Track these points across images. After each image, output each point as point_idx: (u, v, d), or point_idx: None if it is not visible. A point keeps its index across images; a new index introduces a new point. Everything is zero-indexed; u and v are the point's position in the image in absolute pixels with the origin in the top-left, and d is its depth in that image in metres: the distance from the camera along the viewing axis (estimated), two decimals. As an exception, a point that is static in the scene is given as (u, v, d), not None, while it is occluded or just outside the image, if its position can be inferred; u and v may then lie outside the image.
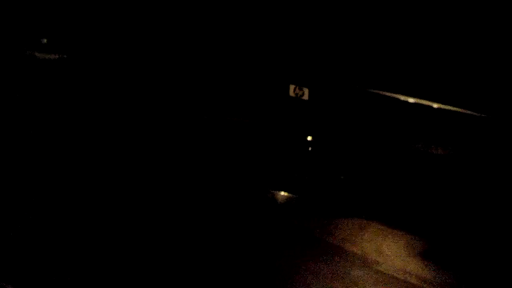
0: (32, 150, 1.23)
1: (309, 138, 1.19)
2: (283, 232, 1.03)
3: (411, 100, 1.06)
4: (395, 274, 0.93)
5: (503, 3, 0.96)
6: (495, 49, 1.00)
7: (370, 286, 0.91)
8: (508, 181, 1.04)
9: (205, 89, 1.25)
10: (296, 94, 1.12)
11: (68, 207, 1.08)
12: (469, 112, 1.04)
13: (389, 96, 1.09)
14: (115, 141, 1.27)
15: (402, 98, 1.08)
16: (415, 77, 1.08)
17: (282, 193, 1.12)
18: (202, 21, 1.17)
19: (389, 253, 0.98)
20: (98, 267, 0.93)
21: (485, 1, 0.98)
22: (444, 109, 1.04)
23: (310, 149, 1.19)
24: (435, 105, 1.04)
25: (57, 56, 1.33)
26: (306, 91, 1.11)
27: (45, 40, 1.32)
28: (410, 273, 0.93)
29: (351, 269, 0.94)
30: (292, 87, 1.12)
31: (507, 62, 1.00)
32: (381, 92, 1.10)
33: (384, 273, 0.94)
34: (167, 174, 1.17)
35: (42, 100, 1.36)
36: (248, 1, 1.10)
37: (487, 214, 1.05)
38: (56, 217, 1.05)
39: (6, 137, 1.26)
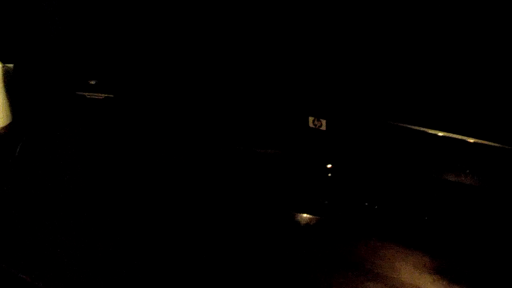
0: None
1: (329, 165, 1.30)
2: (307, 250, 1.13)
3: (417, 128, 1.14)
4: (407, 288, 1.01)
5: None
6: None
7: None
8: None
9: (236, 124, 1.37)
10: (315, 125, 1.23)
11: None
12: (481, 141, 1.10)
13: (402, 127, 1.18)
14: (156, 175, 1.40)
15: (416, 128, 1.16)
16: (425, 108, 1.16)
17: (305, 215, 1.22)
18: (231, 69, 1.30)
19: (403, 270, 1.05)
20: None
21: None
22: (449, 137, 1.11)
23: (330, 175, 1.29)
24: (440, 133, 1.12)
25: (103, 96, 1.49)
26: (323, 122, 1.22)
27: (93, 82, 1.49)
28: (420, 287, 1.01)
29: (368, 283, 1.02)
30: (311, 119, 1.23)
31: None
32: (395, 123, 1.19)
33: (397, 287, 1.02)
34: (203, 199, 1.28)
35: (90, 136, 1.52)
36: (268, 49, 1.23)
37: (499, 238, 1.11)
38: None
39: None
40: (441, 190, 1.17)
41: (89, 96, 1.49)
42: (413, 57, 1.11)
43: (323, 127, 1.22)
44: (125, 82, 1.48)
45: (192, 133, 1.43)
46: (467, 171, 1.12)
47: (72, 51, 1.50)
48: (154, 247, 1.13)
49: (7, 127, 1.60)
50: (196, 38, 1.34)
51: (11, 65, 1.58)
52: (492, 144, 1.07)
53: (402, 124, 1.16)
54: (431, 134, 1.12)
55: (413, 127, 1.15)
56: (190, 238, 1.16)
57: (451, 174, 1.14)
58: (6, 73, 1.57)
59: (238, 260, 1.09)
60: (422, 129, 1.13)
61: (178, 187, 1.31)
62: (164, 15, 1.37)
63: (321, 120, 1.22)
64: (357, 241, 1.13)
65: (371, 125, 1.19)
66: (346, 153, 1.24)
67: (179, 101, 1.43)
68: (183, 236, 1.17)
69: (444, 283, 1.02)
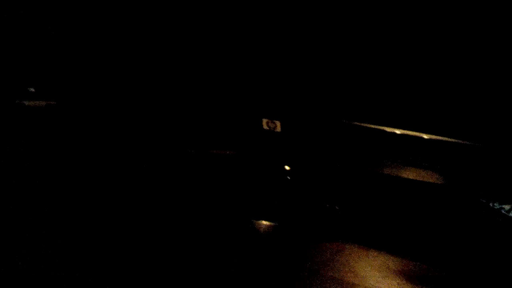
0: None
1: (287, 167, 1.25)
2: (264, 260, 1.07)
3: (372, 126, 1.12)
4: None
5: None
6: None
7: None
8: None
9: (190, 125, 1.31)
10: (269, 127, 1.18)
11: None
12: (437, 137, 1.08)
13: (358, 125, 1.15)
14: (105, 179, 1.32)
15: (372, 126, 1.14)
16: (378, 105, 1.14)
17: (263, 222, 1.17)
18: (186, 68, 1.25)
19: (364, 274, 1.02)
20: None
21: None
22: (407, 135, 1.09)
23: (288, 178, 1.24)
24: (397, 131, 1.09)
25: (44, 103, 1.40)
26: (278, 124, 1.18)
27: (32, 89, 1.40)
28: (383, 292, 0.97)
29: (328, 291, 0.98)
30: (264, 120, 1.18)
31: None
32: (348, 122, 1.15)
33: (359, 293, 0.98)
34: (154, 206, 1.22)
35: (32, 145, 1.42)
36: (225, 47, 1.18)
37: (466, 237, 1.09)
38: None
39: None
40: (403, 189, 1.14)
41: (28, 104, 1.40)
42: (365, 55, 1.09)
43: (278, 129, 1.18)
44: (69, 88, 1.40)
45: (143, 136, 1.36)
46: (429, 168, 1.10)
47: (9, 59, 1.41)
48: (99, 253, 1.06)
49: None
50: (142, 40, 1.27)
51: None
52: (451, 140, 1.05)
53: (358, 123, 1.13)
54: (389, 132, 1.09)
55: (369, 125, 1.12)
56: (146, 243, 1.09)
57: (412, 173, 1.12)
58: None
59: (192, 268, 1.03)
60: (379, 127, 1.10)
61: (126, 193, 1.25)
62: (103, 19, 1.30)
63: (275, 121, 1.17)
64: (319, 246, 1.09)
65: (329, 124, 1.15)
66: (303, 154, 1.20)
67: (133, 104, 1.36)
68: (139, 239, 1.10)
69: (410, 286, 0.99)
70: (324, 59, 1.15)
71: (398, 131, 1.09)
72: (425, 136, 1.09)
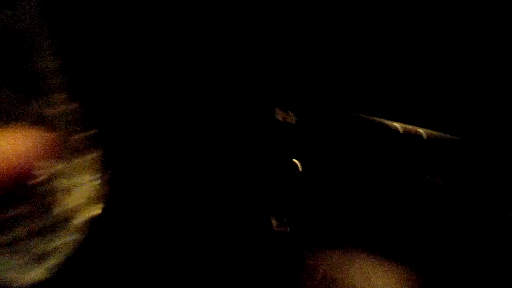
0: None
1: (298, 163, 1.18)
2: (277, 262, 1.02)
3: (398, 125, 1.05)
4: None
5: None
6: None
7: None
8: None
9: (202, 115, 1.23)
10: (283, 118, 1.11)
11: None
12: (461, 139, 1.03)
13: (376, 121, 1.09)
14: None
15: (390, 123, 1.08)
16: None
17: (274, 221, 1.10)
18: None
19: (377, 282, 0.96)
20: None
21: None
22: (435, 137, 1.03)
23: (298, 173, 1.18)
24: (423, 132, 1.03)
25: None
26: (292, 115, 1.11)
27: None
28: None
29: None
30: (278, 111, 1.11)
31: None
32: (366, 117, 1.09)
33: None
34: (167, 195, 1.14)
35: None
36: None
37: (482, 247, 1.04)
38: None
39: None
40: (427, 195, 1.08)
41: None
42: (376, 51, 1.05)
43: (292, 120, 1.10)
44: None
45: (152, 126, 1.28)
46: (460, 176, 1.04)
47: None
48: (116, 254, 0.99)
49: None
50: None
51: None
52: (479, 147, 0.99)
53: (381, 120, 1.06)
54: (418, 135, 1.03)
55: (393, 124, 1.06)
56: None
57: (439, 176, 1.06)
58: None
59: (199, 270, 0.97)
60: (407, 127, 1.04)
61: (141, 185, 1.17)
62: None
63: (289, 112, 1.10)
64: (330, 250, 1.03)
65: (342, 118, 1.09)
66: (317, 149, 1.13)
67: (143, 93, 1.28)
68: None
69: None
70: (346, 48, 1.08)
71: (424, 135, 1.03)
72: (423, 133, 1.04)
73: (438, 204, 1.07)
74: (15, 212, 0.42)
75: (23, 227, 0.43)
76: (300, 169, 1.16)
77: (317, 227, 1.08)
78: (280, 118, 1.10)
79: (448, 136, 1.05)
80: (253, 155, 1.18)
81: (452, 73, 1.04)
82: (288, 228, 1.09)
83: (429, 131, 1.05)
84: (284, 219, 1.09)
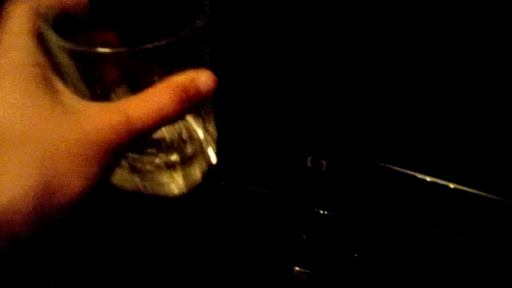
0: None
1: (325, 212, 1.20)
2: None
3: (426, 178, 1.06)
4: None
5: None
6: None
7: None
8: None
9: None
10: (314, 165, 1.14)
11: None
12: (485, 194, 1.03)
13: (402, 172, 1.10)
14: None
15: (417, 175, 1.08)
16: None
17: (297, 268, 1.11)
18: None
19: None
20: None
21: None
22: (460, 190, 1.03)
23: (324, 222, 1.20)
24: (452, 185, 1.04)
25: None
26: (324, 163, 1.14)
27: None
28: None
29: None
30: (309, 159, 1.14)
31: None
32: (393, 168, 1.11)
33: None
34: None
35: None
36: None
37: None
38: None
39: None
40: (446, 245, 1.07)
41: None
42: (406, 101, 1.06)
43: (323, 168, 1.13)
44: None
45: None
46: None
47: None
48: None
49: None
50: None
51: None
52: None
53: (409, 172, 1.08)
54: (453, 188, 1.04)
55: (422, 176, 1.07)
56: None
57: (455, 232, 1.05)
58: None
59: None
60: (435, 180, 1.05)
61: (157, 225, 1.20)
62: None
63: (321, 160, 1.13)
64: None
65: (369, 168, 1.10)
66: (345, 197, 1.15)
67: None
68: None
69: None
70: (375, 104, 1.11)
71: (451, 186, 1.04)
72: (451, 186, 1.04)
73: (459, 260, 1.06)
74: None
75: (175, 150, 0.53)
76: (326, 218, 1.18)
77: (340, 274, 1.09)
78: (310, 165, 1.13)
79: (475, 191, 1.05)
80: (282, 202, 1.21)
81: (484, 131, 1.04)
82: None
83: (456, 185, 1.06)
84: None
